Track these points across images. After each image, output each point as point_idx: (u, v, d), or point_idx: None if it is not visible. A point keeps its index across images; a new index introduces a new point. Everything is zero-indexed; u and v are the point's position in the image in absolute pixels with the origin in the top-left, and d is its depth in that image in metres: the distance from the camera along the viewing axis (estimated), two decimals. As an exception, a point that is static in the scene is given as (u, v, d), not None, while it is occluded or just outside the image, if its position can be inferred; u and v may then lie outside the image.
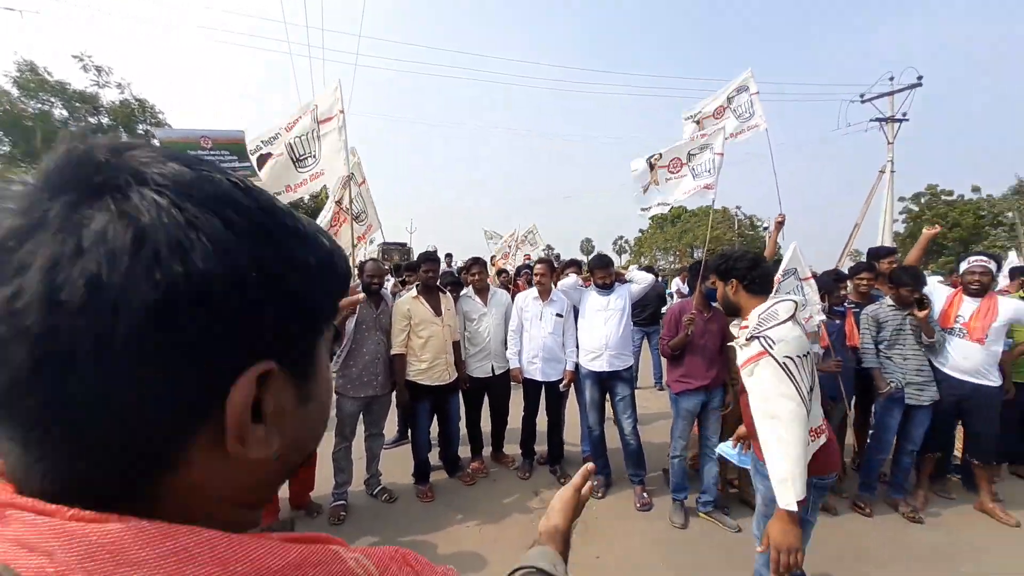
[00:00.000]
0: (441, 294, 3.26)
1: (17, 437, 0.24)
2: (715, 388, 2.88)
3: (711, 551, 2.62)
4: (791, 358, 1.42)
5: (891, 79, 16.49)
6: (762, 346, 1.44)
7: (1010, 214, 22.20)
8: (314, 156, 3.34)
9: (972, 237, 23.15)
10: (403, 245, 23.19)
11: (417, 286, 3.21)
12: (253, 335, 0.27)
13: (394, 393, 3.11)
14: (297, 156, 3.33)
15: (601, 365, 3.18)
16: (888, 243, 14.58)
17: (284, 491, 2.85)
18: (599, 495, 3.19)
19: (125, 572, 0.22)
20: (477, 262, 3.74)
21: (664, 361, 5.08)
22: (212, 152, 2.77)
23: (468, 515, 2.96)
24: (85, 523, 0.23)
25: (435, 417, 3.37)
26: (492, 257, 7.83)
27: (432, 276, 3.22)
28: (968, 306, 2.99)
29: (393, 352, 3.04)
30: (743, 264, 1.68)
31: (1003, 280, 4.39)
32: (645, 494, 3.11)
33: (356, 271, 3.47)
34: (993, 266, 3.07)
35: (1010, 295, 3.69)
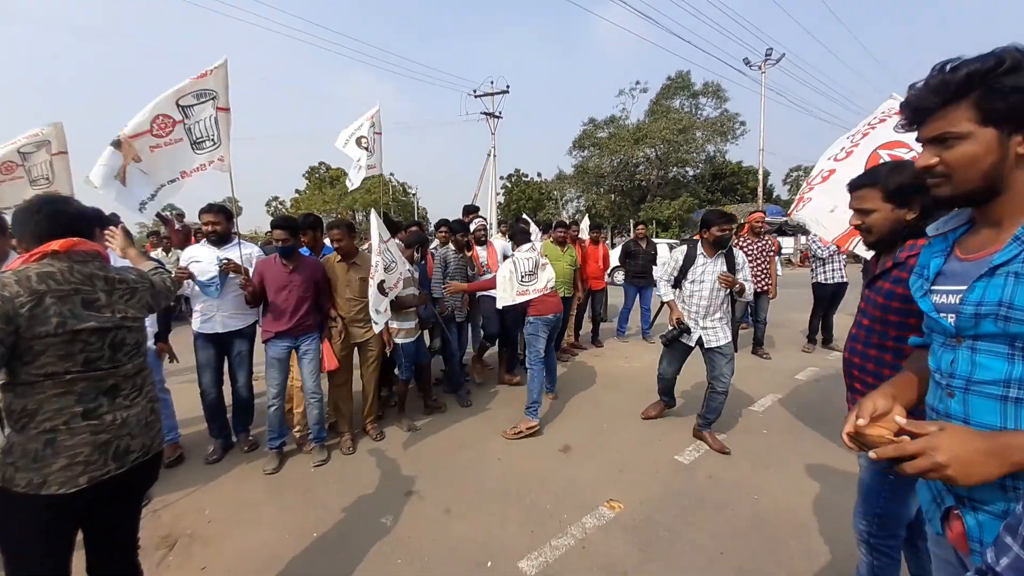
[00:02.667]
0: None
1: None
2: (303, 334, 3.05)
3: (322, 487, 2.73)
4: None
5: (492, 83, 21.29)
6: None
7: (555, 193, 33.94)
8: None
9: (537, 207, 34.08)
10: None
11: None
12: None
13: None
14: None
15: (215, 327, 3.03)
16: (494, 210, 19.42)
17: None
18: (214, 458, 3.10)
19: None
20: None
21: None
22: None
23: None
24: None
25: None
26: None
27: None
28: (481, 252, 4.45)
29: None
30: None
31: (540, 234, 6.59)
32: (251, 437, 3.33)
33: None
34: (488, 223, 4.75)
35: (543, 242, 5.57)
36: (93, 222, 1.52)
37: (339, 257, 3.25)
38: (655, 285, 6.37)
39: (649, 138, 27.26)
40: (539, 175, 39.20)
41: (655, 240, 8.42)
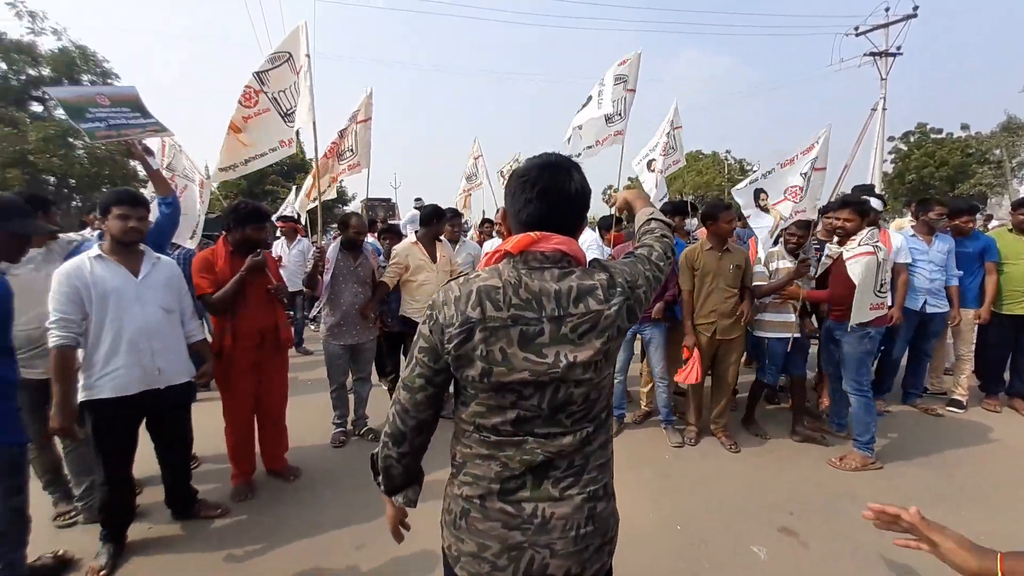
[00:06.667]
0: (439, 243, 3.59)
1: None
2: (644, 322, 3.27)
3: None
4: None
5: (887, 10, 15.68)
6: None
7: (997, 151, 22.08)
8: (296, 111, 3.19)
9: (959, 175, 23.05)
10: (387, 200, 22.63)
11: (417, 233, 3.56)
12: None
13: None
14: (284, 111, 3.16)
15: None
16: (877, 183, 14.48)
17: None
18: None
19: None
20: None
21: None
22: (111, 109, 2.38)
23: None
24: None
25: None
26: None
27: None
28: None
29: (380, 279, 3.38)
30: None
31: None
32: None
33: (339, 224, 3.50)
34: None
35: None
36: (586, 200, 0.94)
37: (709, 245, 3.08)
38: None
39: None
40: (964, 128, 26.31)
41: None
